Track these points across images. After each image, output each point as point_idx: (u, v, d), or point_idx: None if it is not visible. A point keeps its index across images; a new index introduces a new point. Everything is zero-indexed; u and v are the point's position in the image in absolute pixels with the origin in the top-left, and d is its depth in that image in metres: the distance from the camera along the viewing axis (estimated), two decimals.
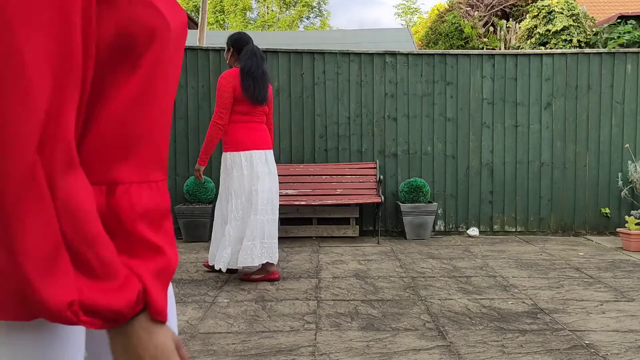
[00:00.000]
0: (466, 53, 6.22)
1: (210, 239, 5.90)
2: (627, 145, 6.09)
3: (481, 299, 3.76)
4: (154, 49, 0.67)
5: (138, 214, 0.68)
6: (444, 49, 12.32)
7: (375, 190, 5.89)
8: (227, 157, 4.07)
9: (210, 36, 15.96)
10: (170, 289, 0.87)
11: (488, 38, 13.45)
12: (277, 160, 6.10)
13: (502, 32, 12.90)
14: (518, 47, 10.67)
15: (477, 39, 13.30)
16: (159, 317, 0.67)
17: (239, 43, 4.09)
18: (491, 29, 14.22)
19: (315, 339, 3.03)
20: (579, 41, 9.50)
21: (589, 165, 6.16)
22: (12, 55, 0.54)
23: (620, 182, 6.03)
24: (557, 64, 6.15)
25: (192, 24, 25.81)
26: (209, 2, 34.26)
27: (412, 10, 34.25)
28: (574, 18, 9.66)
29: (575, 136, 6.15)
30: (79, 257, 0.60)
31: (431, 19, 17.56)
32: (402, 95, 6.14)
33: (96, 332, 0.76)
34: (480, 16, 14.48)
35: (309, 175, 5.95)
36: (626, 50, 6.19)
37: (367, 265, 4.70)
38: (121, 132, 0.67)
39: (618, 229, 5.53)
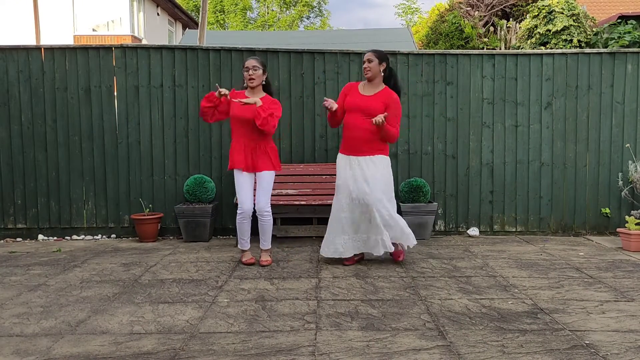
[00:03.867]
0: (466, 53, 6.21)
1: (210, 238, 5.91)
2: (628, 145, 6.09)
3: (481, 299, 3.76)
4: None
5: None
6: (445, 49, 12.32)
7: None
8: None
9: (211, 36, 15.98)
10: None
11: (488, 38, 13.45)
12: None
13: (502, 32, 12.90)
14: (518, 47, 10.66)
15: (478, 39, 13.30)
16: None
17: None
18: (491, 29, 14.22)
19: (315, 339, 3.03)
20: (579, 41, 9.50)
21: (589, 165, 6.16)
22: None
23: (620, 182, 6.03)
24: (557, 64, 6.14)
25: (193, 23, 25.84)
26: (209, 2, 34.28)
27: (412, 10, 34.27)
28: (574, 18, 9.66)
29: (575, 136, 6.15)
30: None
31: (431, 19, 17.56)
32: (402, 95, 6.12)
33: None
34: (480, 16, 14.48)
35: (309, 175, 5.94)
36: (626, 50, 6.19)
37: (367, 265, 4.70)
38: None
39: (618, 229, 5.52)
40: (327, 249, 4.67)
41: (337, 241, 4.63)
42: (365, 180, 4.53)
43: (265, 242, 4.79)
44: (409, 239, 4.64)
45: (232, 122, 4.65)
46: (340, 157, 4.69)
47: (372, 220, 4.52)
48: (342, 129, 4.75)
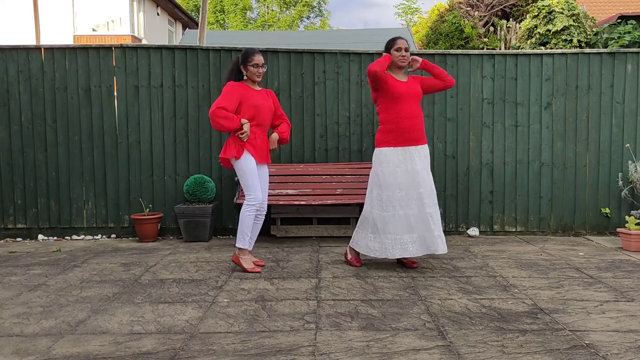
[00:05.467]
0: (466, 53, 6.21)
1: (210, 238, 5.91)
2: (628, 145, 6.09)
3: (481, 299, 3.76)
4: None
5: None
6: (445, 49, 12.32)
7: None
8: None
9: (210, 36, 15.98)
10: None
11: (488, 38, 13.45)
12: (277, 160, 6.11)
13: (502, 32, 12.91)
14: (518, 47, 10.67)
15: (478, 39, 13.30)
16: None
17: None
18: (491, 29, 14.21)
19: (315, 339, 3.03)
20: (579, 41, 9.50)
21: (589, 165, 6.16)
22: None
23: (620, 182, 6.03)
24: (557, 64, 6.14)
25: (193, 23, 25.84)
26: (209, 2, 34.28)
27: (412, 10, 34.26)
28: (574, 18, 9.66)
29: (575, 136, 6.15)
30: None
31: (431, 19, 17.55)
32: None
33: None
34: (480, 16, 14.48)
35: (309, 175, 5.94)
36: (626, 50, 6.19)
37: (367, 265, 4.70)
38: None
39: (618, 229, 5.52)
40: (394, 250, 4.39)
41: (405, 239, 4.37)
42: (423, 171, 4.43)
43: (253, 242, 4.68)
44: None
45: (248, 111, 4.41)
46: (391, 150, 4.44)
47: (431, 215, 4.37)
48: (381, 122, 4.51)
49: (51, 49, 6.07)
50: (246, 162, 4.40)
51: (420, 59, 4.59)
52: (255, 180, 4.41)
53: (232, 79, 4.52)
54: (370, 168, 5.97)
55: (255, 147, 4.45)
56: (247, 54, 4.48)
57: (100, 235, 6.15)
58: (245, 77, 4.52)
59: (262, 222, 4.61)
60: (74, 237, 6.13)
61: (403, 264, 4.67)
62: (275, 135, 4.63)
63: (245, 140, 4.40)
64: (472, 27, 13.21)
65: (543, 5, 10.04)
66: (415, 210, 4.37)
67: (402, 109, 4.43)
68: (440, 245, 4.38)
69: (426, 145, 4.56)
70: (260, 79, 4.54)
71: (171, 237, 6.10)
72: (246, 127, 4.38)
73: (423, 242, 4.37)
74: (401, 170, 4.41)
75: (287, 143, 5.01)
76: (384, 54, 4.53)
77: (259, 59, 4.48)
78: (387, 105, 4.48)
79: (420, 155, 4.47)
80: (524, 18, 13.29)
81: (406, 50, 4.50)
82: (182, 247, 5.54)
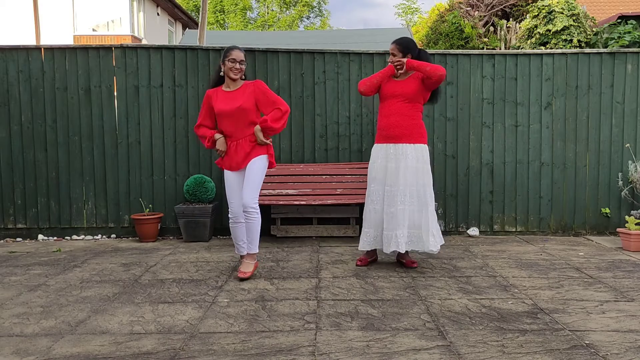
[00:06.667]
0: (466, 53, 6.21)
1: (210, 238, 5.91)
2: (628, 145, 6.09)
3: (481, 299, 3.76)
4: None
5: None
6: (445, 49, 12.32)
7: None
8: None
9: (210, 36, 15.97)
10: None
11: (488, 38, 13.45)
12: (277, 160, 6.11)
13: (502, 32, 12.91)
14: (518, 47, 10.67)
15: (478, 39, 13.30)
16: None
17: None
18: (491, 28, 14.22)
19: (315, 339, 3.03)
20: (579, 41, 9.51)
21: (589, 165, 6.16)
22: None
23: (620, 182, 6.03)
24: (557, 64, 6.14)
25: (193, 23, 25.85)
26: (209, 2, 34.28)
27: (412, 10, 34.28)
28: (574, 18, 9.67)
29: (575, 136, 6.15)
30: None
31: (431, 18, 17.56)
32: None
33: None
34: (480, 16, 14.48)
35: (309, 175, 5.94)
36: (626, 50, 6.18)
37: (367, 265, 4.70)
38: None
39: (618, 229, 5.52)
40: (364, 242, 4.57)
41: (371, 233, 4.52)
42: (394, 170, 4.42)
43: (251, 244, 4.27)
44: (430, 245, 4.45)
45: (214, 120, 4.35)
46: (375, 147, 4.58)
47: (404, 214, 4.38)
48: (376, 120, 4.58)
49: (51, 49, 6.06)
50: (224, 173, 4.40)
51: (404, 61, 4.41)
52: (230, 192, 4.33)
53: (212, 82, 4.42)
54: None
55: (226, 157, 4.32)
56: (226, 50, 4.23)
57: (100, 235, 6.15)
58: (222, 74, 4.30)
59: (254, 222, 4.21)
60: (74, 237, 6.13)
61: (403, 264, 4.67)
62: (257, 127, 4.18)
63: (222, 156, 4.34)
64: (472, 27, 13.20)
65: (543, 5, 10.04)
66: (378, 206, 4.50)
67: (383, 107, 4.57)
68: (402, 244, 4.37)
69: (413, 144, 4.44)
70: (237, 76, 4.19)
71: (171, 237, 6.10)
72: (218, 144, 4.28)
73: (380, 239, 4.50)
74: (377, 166, 4.54)
75: (275, 130, 4.18)
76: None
77: (237, 54, 4.17)
78: (379, 104, 4.66)
79: (397, 153, 4.44)
80: (524, 18, 13.30)
81: (393, 55, 4.49)
82: (182, 247, 5.54)
